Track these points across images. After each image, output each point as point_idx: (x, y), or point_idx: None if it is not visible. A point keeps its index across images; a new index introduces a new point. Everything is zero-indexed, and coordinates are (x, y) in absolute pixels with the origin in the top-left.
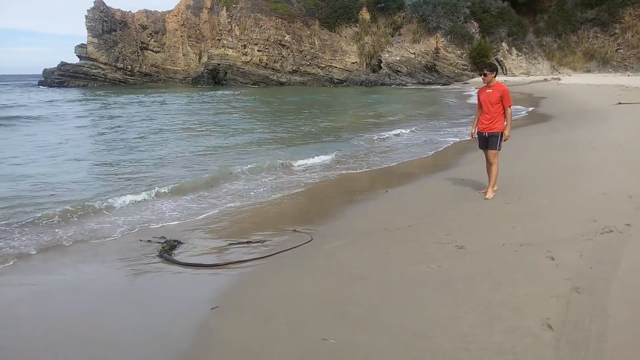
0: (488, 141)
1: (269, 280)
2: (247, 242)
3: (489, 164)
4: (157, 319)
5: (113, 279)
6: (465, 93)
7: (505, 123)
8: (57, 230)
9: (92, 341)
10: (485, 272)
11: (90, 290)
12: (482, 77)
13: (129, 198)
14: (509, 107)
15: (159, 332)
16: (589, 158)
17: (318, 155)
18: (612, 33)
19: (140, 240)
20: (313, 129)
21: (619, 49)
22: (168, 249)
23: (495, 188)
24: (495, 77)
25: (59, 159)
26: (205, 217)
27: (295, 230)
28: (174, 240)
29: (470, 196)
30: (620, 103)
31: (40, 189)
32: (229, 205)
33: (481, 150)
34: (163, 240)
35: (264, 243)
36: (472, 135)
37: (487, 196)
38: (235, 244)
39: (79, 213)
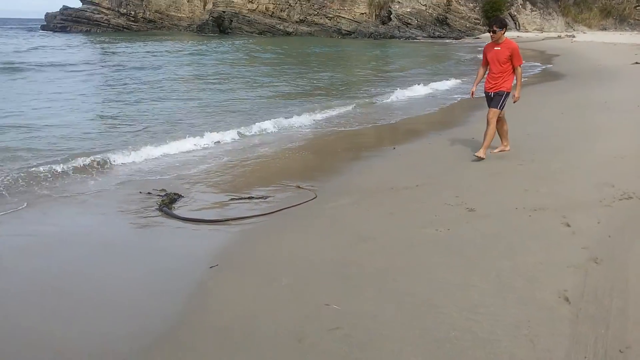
0: (492, 100)
1: (271, 240)
2: (248, 198)
3: (488, 123)
4: (154, 275)
5: (110, 232)
6: (480, 48)
7: (514, 82)
8: (54, 181)
9: (83, 297)
10: (497, 237)
11: (84, 243)
12: (491, 33)
13: (133, 151)
14: (519, 66)
15: (154, 289)
16: (604, 119)
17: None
18: None
19: (140, 192)
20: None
21: (638, 5)
22: (168, 203)
23: (505, 146)
24: (504, 33)
25: (73, 110)
26: (207, 168)
27: (299, 187)
28: (174, 194)
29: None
30: (637, 63)
31: (41, 140)
32: (233, 158)
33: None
34: (163, 194)
35: (267, 199)
36: (472, 94)
37: (477, 153)
38: (236, 199)
39: (79, 164)
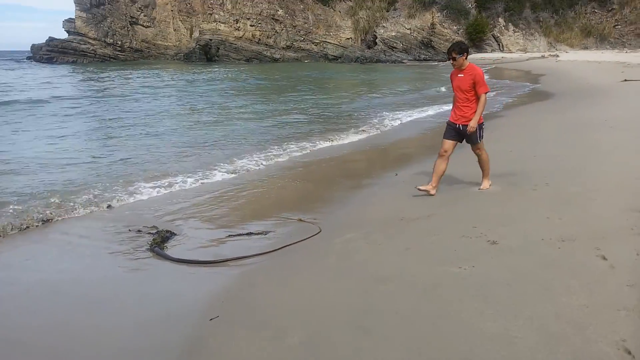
0: (465, 135)
1: (276, 284)
2: (247, 234)
3: (477, 156)
4: (146, 329)
5: (96, 278)
6: None
7: (484, 106)
8: (37, 220)
9: (68, 355)
10: (529, 274)
11: (69, 292)
12: (452, 61)
13: (122, 187)
14: (484, 93)
15: (146, 345)
16: (610, 138)
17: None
18: (609, 9)
19: (129, 230)
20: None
21: (617, 25)
22: (159, 242)
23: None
24: (466, 58)
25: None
26: (200, 201)
27: (300, 220)
28: (166, 231)
29: (490, 181)
30: (625, 80)
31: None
32: (226, 190)
33: (448, 140)
34: (154, 231)
35: (267, 234)
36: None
37: (482, 186)
38: (234, 235)
39: (64, 202)
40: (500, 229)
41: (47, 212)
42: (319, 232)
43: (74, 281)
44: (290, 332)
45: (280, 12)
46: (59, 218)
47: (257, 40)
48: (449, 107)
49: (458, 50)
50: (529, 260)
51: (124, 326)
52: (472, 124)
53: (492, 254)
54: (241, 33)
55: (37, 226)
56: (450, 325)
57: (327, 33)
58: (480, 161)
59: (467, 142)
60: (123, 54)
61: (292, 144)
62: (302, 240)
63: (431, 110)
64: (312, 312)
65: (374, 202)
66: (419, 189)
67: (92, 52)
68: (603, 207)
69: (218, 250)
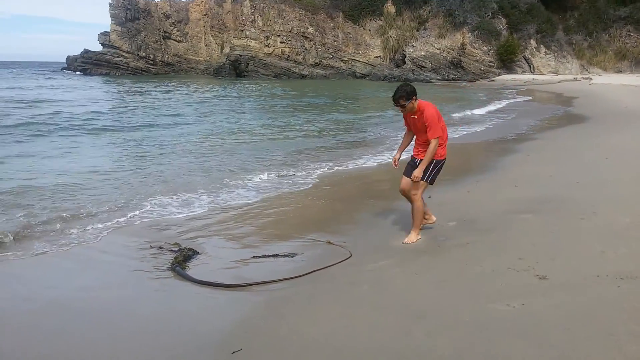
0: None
1: (305, 315)
2: (273, 256)
3: (411, 200)
4: (161, 356)
5: (110, 298)
6: (495, 88)
7: (433, 153)
8: (56, 234)
9: None
10: (587, 317)
11: (82, 311)
12: (400, 109)
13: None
14: (435, 139)
15: None
16: None
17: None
18: None
19: (151, 246)
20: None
21: None
22: (182, 261)
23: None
24: (415, 100)
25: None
26: (225, 218)
27: (330, 242)
28: (189, 249)
29: (532, 208)
30: None
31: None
32: (252, 207)
33: (405, 177)
34: (176, 249)
35: (294, 257)
36: (395, 161)
37: (407, 239)
38: (259, 256)
39: (85, 214)
40: (549, 263)
41: (67, 227)
42: (349, 257)
43: (91, 299)
44: None
45: (310, 29)
46: (81, 231)
47: (286, 57)
48: (475, 127)
49: (405, 96)
50: (585, 300)
51: (142, 355)
52: (417, 174)
53: (543, 291)
54: (271, 49)
55: (54, 237)
56: None
57: (356, 51)
58: (412, 208)
59: (405, 174)
60: (155, 67)
61: (322, 162)
62: (331, 265)
63: (456, 133)
64: (345, 350)
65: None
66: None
67: (125, 64)
68: None
69: (242, 273)
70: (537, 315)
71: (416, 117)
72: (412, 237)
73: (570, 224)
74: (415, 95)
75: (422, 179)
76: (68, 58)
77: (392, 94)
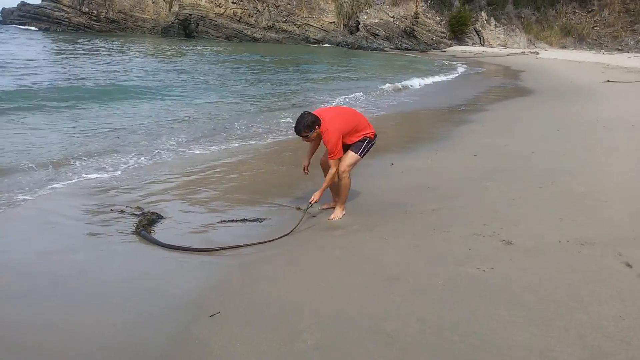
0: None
1: (280, 277)
2: (241, 220)
3: (339, 177)
4: (133, 324)
5: (73, 263)
6: (445, 62)
7: (332, 178)
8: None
9: (34, 351)
10: (555, 280)
11: (41, 278)
12: (304, 139)
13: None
14: (335, 161)
15: (132, 342)
16: (605, 138)
17: None
18: (589, 10)
19: (111, 210)
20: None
21: (595, 26)
22: (146, 225)
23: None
24: (318, 127)
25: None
26: (187, 182)
27: (298, 208)
28: (153, 213)
29: (492, 176)
30: (608, 81)
31: None
32: (215, 169)
33: None
34: (139, 212)
35: (262, 222)
36: (305, 168)
37: (333, 216)
38: (227, 221)
39: (37, 173)
40: (513, 228)
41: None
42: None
43: (50, 265)
44: (302, 334)
45: None
46: (34, 195)
47: (238, 19)
48: (424, 97)
49: (309, 128)
50: (551, 265)
51: (110, 319)
52: (315, 196)
53: (510, 255)
54: (222, 10)
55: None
56: (480, 335)
57: (309, 15)
58: (340, 185)
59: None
60: (98, 24)
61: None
62: (301, 230)
63: (410, 99)
64: (325, 313)
65: (372, 192)
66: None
67: (66, 20)
68: (614, 210)
69: (211, 237)
70: (506, 278)
71: (322, 140)
72: (338, 213)
73: (529, 192)
74: (318, 124)
75: (359, 153)
76: (3, 10)
77: (294, 125)
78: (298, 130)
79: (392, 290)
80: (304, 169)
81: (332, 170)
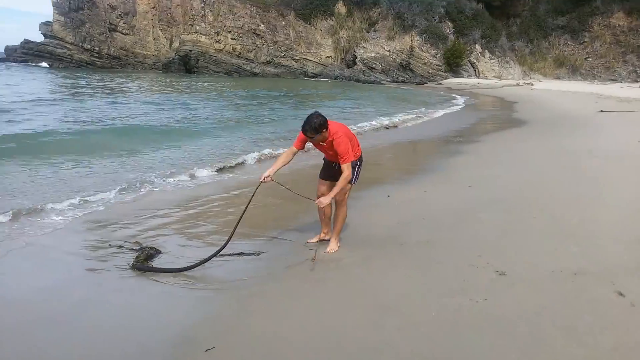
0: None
1: (277, 312)
2: (239, 254)
3: (337, 206)
4: (130, 357)
5: (72, 300)
6: (442, 94)
7: (352, 160)
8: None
9: None
10: (547, 311)
11: (38, 314)
12: (312, 140)
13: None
14: (348, 165)
15: None
16: (599, 168)
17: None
18: (581, 41)
19: (110, 245)
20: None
21: (588, 57)
22: (144, 260)
23: (327, 233)
24: (325, 130)
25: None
26: (185, 216)
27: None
28: (151, 248)
29: (486, 207)
30: (602, 111)
31: None
32: (213, 203)
33: (324, 181)
34: (137, 247)
35: (259, 255)
36: (264, 178)
37: (329, 249)
38: (224, 255)
39: (35, 209)
40: (507, 259)
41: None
42: (314, 258)
43: (47, 301)
44: None
45: (261, 27)
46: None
47: (237, 54)
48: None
49: (316, 130)
50: (543, 295)
51: (107, 355)
52: (324, 201)
53: (503, 286)
54: (222, 46)
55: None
56: None
57: (307, 50)
58: (336, 214)
59: (324, 177)
60: (100, 60)
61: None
62: (298, 263)
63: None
64: (320, 347)
65: (367, 224)
66: (309, 242)
67: (69, 56)
68: (608, 240)
69: (207, 271)
70: (499, 308)
71: (325, 144)
72: (334, 246)
73: (523, 222)
74: (326, 126)
75: (352, 182)
76: (7, 48)
77: (302, 124)
78: (305, 130)
79: (386, 322)
80: (263, 179)
81: (346, 174)
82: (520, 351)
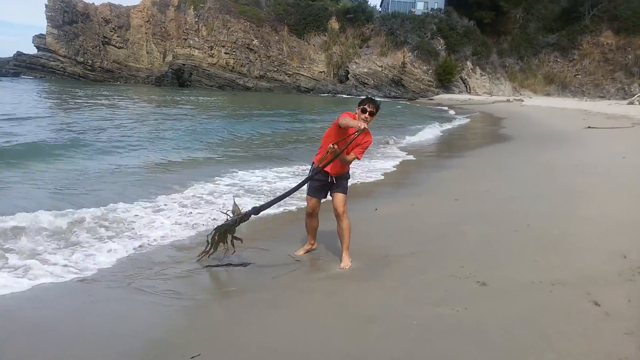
0: (334, 184)
1: (261, 321)
2: (226, 265)
3: (339, 220)
4: None
5: (59, 309)
6: (437, 109)
7: (342, 186)
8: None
9: None
10: (524, 320)
11: (23, 323)
12: (368, 115)
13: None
14: (360, 158)
15: None
16: (583, 182)
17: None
18: (571, 59)
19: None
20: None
21: (577, 74)
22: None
23: (313, 244)
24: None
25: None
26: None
27: (289, 256)
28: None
29: (471, 220)
30: (589, 127)
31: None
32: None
33: (312, 197)
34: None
35: (247, 266)
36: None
37: (343, 264)
38: (212, 266)
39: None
40: (488, 270)
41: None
42: (298, 268)
43: (36, 309)
44: None
45: (255, 41)
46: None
47: (230, 68)
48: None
49: (379, 108)
50: (521, 304)
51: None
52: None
53: (483, 296)
54: (215, 60)
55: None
56: None
57: (300, 65)
58: (340, 228)
59: (336, 191)
60: (93, 73)
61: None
62: (286, 274)
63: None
64: (304, 355)
65: (355, 237)
66: (296, 254)
67: (61, 69)
68: (588, 252)
69: (195, 281)
70: (478, 318)
71: (359, 134)
72: (347, 262)
73: (505, 235)
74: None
75: (346, 193)
76: None
77: (372, 102)
78: (377, 105)
79: (369, 331)
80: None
81: (351, 157)
82: (496, 357)
